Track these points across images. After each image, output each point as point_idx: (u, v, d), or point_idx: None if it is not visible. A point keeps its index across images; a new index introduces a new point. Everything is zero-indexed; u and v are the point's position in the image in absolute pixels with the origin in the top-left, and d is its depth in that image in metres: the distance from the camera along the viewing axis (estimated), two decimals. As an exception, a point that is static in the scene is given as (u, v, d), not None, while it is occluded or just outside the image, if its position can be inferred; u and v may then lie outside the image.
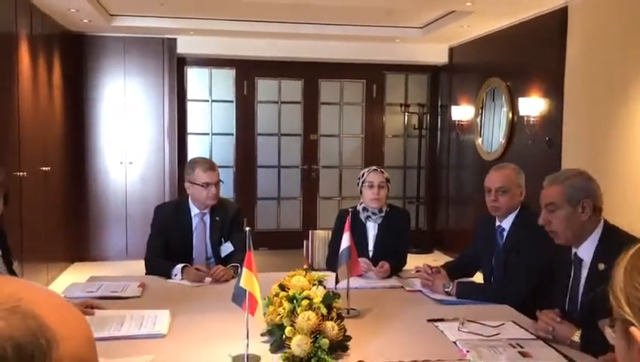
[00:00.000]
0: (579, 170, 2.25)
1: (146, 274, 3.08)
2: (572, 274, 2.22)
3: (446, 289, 2.71)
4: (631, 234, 2.13)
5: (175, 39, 6.72)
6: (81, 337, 0.57)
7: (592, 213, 2.13)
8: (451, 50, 7.23)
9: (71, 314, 0.58)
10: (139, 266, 3.22)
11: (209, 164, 3.16)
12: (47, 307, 0.56)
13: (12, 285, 0.56)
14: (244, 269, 1.87)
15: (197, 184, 3.11)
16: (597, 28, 4.62)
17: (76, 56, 6.47)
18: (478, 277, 3.11)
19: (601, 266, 2.07)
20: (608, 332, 0.77)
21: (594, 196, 2.15)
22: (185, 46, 6.77)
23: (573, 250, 2.22)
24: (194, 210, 3.19)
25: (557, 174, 2.27)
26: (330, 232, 3.56)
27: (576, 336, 1.98)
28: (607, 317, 0.79)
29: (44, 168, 5.40)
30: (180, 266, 2.94)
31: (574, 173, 2.23)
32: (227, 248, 3.19)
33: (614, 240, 2.07)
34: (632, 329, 0.71)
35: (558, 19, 5.02)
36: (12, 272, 2.39)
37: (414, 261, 3.30)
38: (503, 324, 2.27)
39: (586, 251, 2.16)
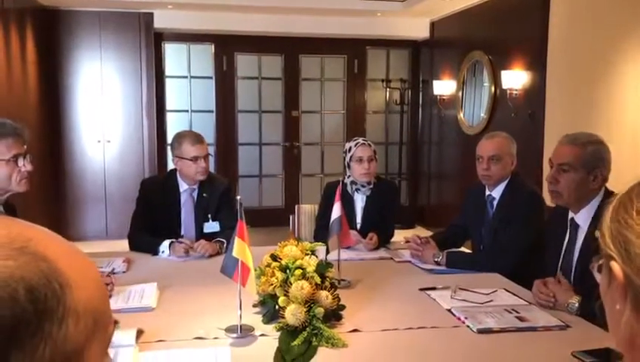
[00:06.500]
0: (598, 136, 2.20)
1: (130, 250, 3.01)
2: (567, 238, 2.22)
3: (436, 259, 2.70)
4: None
5: (152, 14, 6.55)
6: (94, 285, 0.52)
7: (600, 182, 2.13)
8: (432, 25, 7.18)
9: (82, 260, 0.53)
10: (119, 246, 3.13)
11: (197, 137, 3.02)
12: (58, 250, 0.50)
13: (20, 225, 0.50)
14: (237, 239, 1.83)
15: (185, 158, 2.97)
16: (580, -1, 4.61)
17: (50, 31, 6.28)
18: (468, 247, 3.11)
19: (597, 233, 2.07)
20: (597, 275, 0.76)
21: (608, 167, 2.14)
22: (162, 21, 6.61)
23: (570, 215, 2.21)
24: (182, 186, 3.07)
25: (576, 135, 2.21)
26: (316, 206, 3.53)
27: (575, 300, 1.97)
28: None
29: (19, 146, 5.24)
30: (167, 242, 2.87)
31: (596, 139, 2.18)
32: (212, 227, 3.09)
33: None
34: (612, 263, 0.69)
35: (541, -9, 4.99)
36: None
37: (396, 236, 3.29)
38: (495, 291, 2.27)
39: (583, 217, 2.15)
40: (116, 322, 0.54)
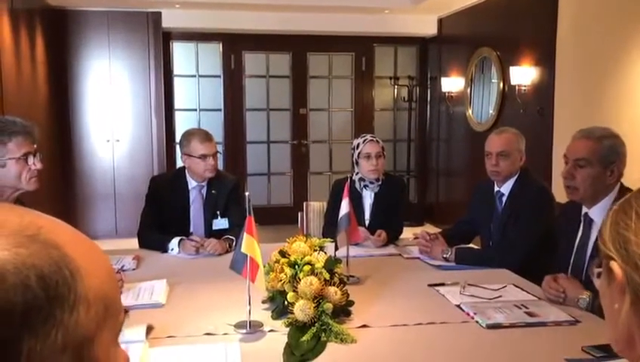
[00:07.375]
0: (613, 130, 2.16)
1: (140, 248, 3.02)
2: (580, 233, 2.20)
3: (444, 256, 2.70)
4: None
5: (160, 13, 6.57)
6: (105, 273, 0.53)
7: (617, 177, 2.11)
8: (440, 21, 7.15)
9: (92, 249, 0.54)
10: (129, 245, 3.15)
11: (205, 135, 3.04)
12: (69, 238, 0.51)
13: (31, 214, 0.51)
14: (245, 234, 1.83)
15: (194, 156, 2.99)
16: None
17: (59, 31, 6.31)
18: (476, 244, 3.10)
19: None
20: (596, 281, 0.77)
21: (624, 161, 2.11)
22: (170, 20, 6.63)
23: (584, 210, 2.18)
24: (191, 183, 3.08)
25: (591, 130, 2.17)
26: (325, 204, 3.52)
27: (585, 295, 1.96)
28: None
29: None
30: (176, 240, 2.87)
31: (611, 133, 2.13)
32: (221, 224, 3.10)
33: None
34: (612, 263, 0.70)
35: (550, -14, 4.96)
36: None
37: (405, 233, 3.29)
38: (504, 287, 2.26)
39: (598, 212, 2.12)
40: (126, 311, 0.55)
